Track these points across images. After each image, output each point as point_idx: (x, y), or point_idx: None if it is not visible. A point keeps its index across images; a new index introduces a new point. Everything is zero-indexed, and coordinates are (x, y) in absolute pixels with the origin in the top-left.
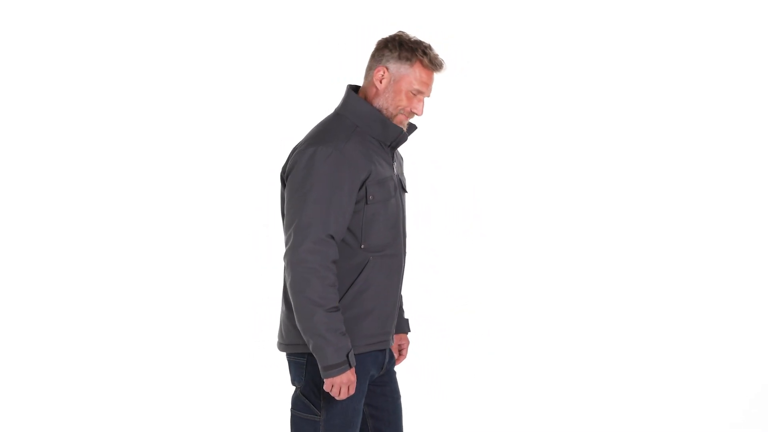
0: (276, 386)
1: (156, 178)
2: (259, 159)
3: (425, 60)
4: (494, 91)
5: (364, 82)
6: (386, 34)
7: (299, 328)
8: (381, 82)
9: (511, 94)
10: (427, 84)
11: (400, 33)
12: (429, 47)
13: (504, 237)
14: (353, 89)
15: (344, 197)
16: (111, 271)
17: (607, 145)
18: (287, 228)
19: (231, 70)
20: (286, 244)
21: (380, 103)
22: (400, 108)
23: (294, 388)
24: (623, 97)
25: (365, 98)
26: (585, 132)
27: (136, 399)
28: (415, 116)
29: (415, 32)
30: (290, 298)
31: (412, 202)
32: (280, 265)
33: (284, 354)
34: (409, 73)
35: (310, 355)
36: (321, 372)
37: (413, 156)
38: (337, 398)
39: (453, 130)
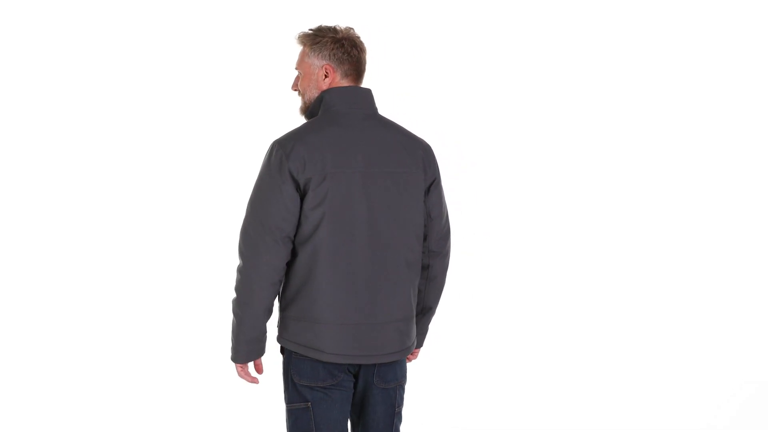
0: (275, 386)
1: (156, 179)
2: (259, 159)
3: None
4: (490, 93)
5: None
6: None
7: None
8: None
9: (506, 96)
10: None
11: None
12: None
13: (503, 243)
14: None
15: None
16: (110, 271)
17: (604, 147)
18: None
19: (230, 70)
20: (445, 239)
21: None
22: None
23: (395, 391)
24: (621, 99)
25: None
26: (582, 134)
27: (135, 399)
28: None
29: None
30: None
31: None
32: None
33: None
34: None
35: None
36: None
37: None
38: None
39: (449, 132)
